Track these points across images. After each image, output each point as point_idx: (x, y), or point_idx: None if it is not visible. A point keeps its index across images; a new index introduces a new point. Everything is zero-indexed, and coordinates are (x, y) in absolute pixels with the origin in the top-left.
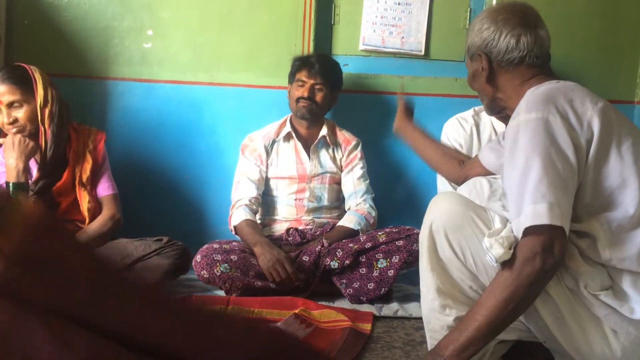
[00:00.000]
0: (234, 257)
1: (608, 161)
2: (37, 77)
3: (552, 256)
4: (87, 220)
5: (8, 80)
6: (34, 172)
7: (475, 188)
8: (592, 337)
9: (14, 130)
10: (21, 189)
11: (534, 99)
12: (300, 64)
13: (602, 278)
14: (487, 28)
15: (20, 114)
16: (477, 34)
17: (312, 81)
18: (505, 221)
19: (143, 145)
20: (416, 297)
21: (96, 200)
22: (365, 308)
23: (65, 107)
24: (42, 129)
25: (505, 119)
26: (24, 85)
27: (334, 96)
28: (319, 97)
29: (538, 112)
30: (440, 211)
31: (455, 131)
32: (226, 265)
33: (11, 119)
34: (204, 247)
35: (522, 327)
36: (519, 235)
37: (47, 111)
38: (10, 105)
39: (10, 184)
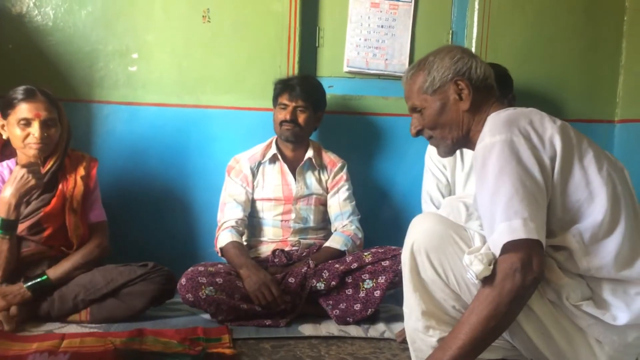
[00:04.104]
0: (219, 280)
1: (573, 175)
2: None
3: (532, 271)
4: (74, 246)
5: (46, 97)
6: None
7: (452, 210)
8: (577, 348)
9: (37, 147)
10: (9, 226)
11: (496, 123)
12: (282, 87)
13: (582, 289)
14: (460, 58)
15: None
16: (447, 65)
17: (294, 104)
18: (485, 239)
19: (128, 169)
20: (403, 318)
21: (86, 227)
22: (352, 329)
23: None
24: (56, 155)
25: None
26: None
27: (318, 116)
28: (301, 119)
29: (502, 134)
30: (421, 231)
31: None
32: (211, 288)
33: (44, 134)
34: (189, 269)
35: (507, 346)
36: (497, 252)
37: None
38: (45, 121)
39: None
